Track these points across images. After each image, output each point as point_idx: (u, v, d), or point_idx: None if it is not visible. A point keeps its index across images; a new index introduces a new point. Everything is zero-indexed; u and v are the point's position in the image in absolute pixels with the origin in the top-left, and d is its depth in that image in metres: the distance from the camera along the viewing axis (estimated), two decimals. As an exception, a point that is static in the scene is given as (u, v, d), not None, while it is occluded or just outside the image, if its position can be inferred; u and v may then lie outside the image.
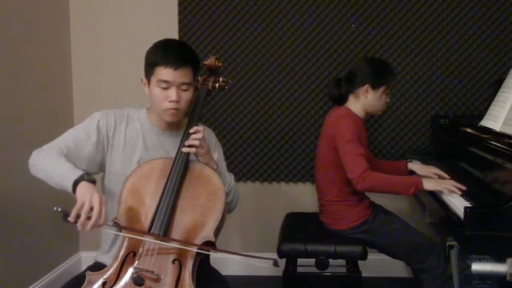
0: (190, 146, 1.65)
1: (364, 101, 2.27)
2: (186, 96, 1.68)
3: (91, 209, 1.41)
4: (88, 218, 1.41)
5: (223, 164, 1.89)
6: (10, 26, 2.39)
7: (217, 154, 1.87)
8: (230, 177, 1.84)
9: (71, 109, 2.97)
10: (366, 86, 2.25)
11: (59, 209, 1.41)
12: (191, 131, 1.68)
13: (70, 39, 2.96)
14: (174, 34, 2.88)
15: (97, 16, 2.94)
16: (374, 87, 2.25)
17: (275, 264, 1.49)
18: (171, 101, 1.65)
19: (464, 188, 2.02)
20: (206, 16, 2.87)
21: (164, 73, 1.64)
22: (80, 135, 1.69)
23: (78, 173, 1.50)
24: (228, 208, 1.84)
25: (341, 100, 2.33)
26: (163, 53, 1.66)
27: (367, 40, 2.84)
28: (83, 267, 1.85)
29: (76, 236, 3.05)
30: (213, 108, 2.90)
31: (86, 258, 2.98)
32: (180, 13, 2.88)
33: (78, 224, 1.40)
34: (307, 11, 2.84)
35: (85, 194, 1.43)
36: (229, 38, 2.87)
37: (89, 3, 2.93)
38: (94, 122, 1.72)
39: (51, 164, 1.56)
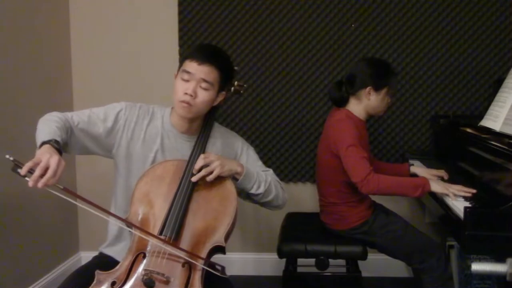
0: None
1: (366, 103, 2.25)
2: (204, 95, 1.67)
3: (47, 169, 1.35)
4: (41, 176, 1.34)
5: (258, 164, 1.86)
6: (10, 26, 2.39)
7: (246, 157, 1.85)
8: (266, 175, 1.80)
9: (71, 109, 2.97)
10: (368, 89, 2.21)
11: (11, 158, 1.34)
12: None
13: (70, 39, 2.96)
14: (174, 34, 2.88)
15: (97, 16, 2.94)
16: (377, 89, 2.22)
17: None
18: (186, 94, 1.65)
19: (474, 191, 1.95)
20: (206, 16, 2.86)
21: (189, 64, 1.67)
22: (98, 114, 1.70)
23: (51, 137, 1.47)
24: (276, 204, 1.83)
25: (342, 102, 2.30)
26: (194, 49, 1.75)
27: (367, 40, 2.84)
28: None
29: (76, 236, 3.06)
30: (213, 108, 2.90)
31: (86, 258, 2.97)
32: (180, 13, 2.88)
33: (30, 180, 1.33)
34: (307, 11, 2.84)
35: (45, 153, 1.38)
36: (229, 38, 2.87)
37: (89, 3, 2.93)
38: (116, 109, 1.73)
39: (44, 124, 1.56)
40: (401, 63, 2.84)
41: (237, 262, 2.99)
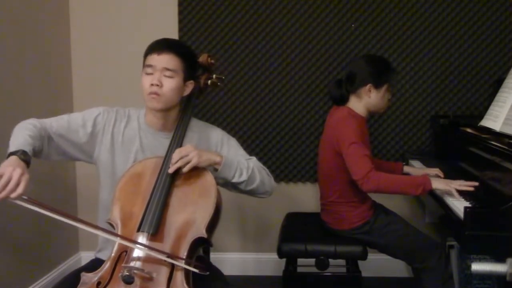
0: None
1: (367, 100, 2.25)
2: (169, 82, 1.69)
3: (9, 182, 1.37)
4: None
5: (240, 153, 1.84)
6: (10, 25, 2.39)
7: (227, 148, 1.84)
8: (248, 162, 1.78)
9: (71, 109, 2.97)
10: (368, 86, 2.21)
11: None
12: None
13: (70, 38, 2.96)
14: (174, 34, 2.88)
15: (97, 16, 2.94)
16: (377, 86, 2.22)
17: None
18: (152, 85, 1.67)
19: (476, 184, 1.95)
20: (206, 16, 2.87)
21: (149, 58, 1.71)
22: (77, 119, 1.73)
23: (19, 148, 1.47)
24: (263, 191, 1.80)
25: (342, 100, 2.30)
26: (152, 44, 1.76)
27: (367, 40, 2.84)
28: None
29: (76, 236, 3.05)
30: (213, 108, 2.90)
31: (86, 258, 2.98)
32: (180, 13, 2.88)
33: None
34: (307, 10, 2.84)
35: (8, 166, 1.40)
36: (229, 38, 2.87)
37: (89, 3, 2.93)
38: (93, 114, 1.76)
39: (17, 132, 1.58)
40: (401, 63, 2.84)
41: (237, 262, 2.99)
